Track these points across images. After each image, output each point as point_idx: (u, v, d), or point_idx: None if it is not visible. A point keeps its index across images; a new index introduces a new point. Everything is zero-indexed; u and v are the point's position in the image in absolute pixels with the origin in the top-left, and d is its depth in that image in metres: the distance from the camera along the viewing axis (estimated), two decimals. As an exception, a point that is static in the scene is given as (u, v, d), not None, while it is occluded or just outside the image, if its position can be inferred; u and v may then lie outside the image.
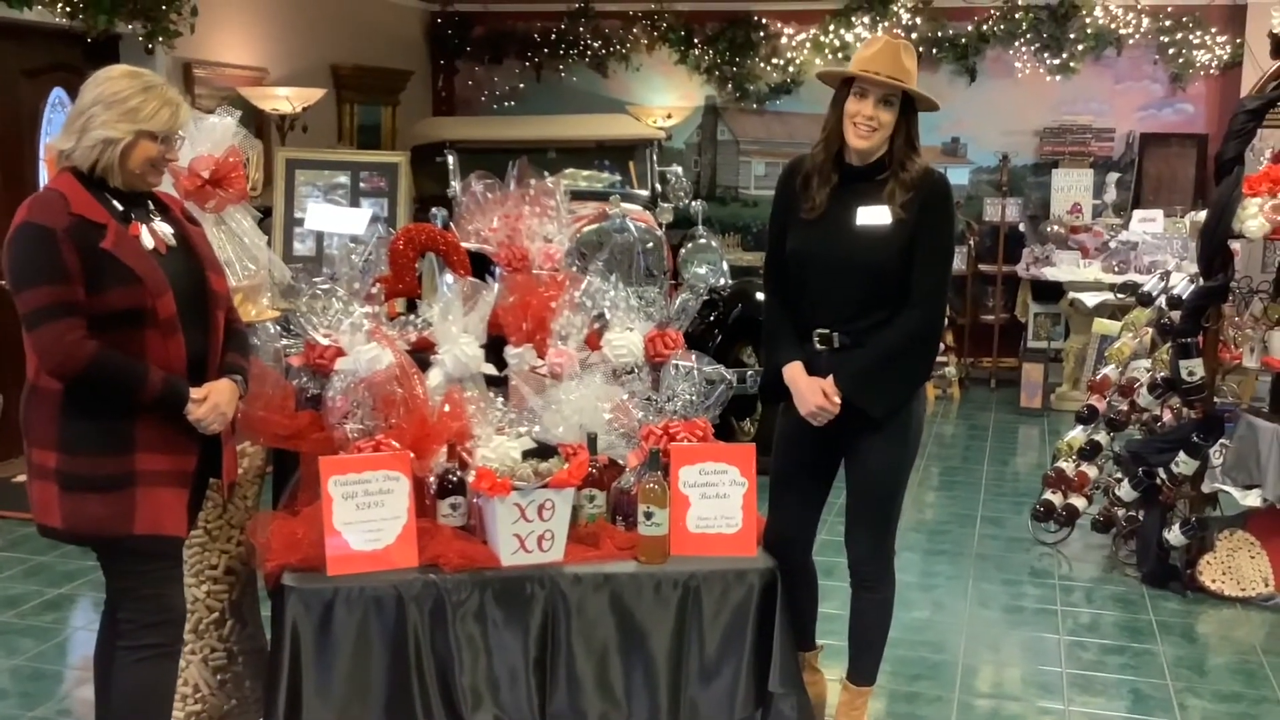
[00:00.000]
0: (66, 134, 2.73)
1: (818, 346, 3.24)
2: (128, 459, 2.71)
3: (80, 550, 4.91)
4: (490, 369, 3.54)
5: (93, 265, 2.64)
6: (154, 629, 2.80)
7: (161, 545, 2.78)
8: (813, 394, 3.18)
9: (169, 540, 2.80)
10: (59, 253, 2.61)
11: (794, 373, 3.25)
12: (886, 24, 9.15)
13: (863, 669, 3.46)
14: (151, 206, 2.84)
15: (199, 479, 2.90)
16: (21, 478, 6.11)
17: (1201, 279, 4.94)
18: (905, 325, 3.19)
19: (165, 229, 2.81)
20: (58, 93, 6.60)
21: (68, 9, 6.03)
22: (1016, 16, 9.08)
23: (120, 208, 2.74)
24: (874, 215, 3.16)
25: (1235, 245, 4.98)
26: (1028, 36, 9.08)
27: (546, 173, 4.24)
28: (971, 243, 9.14)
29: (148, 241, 2.75)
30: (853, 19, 9.16)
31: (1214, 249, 4.81)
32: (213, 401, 2.77)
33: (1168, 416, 5.35)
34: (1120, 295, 7.18)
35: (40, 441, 2.72)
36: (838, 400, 3.16)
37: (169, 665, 2.88)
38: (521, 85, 10.10)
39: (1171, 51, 8.97)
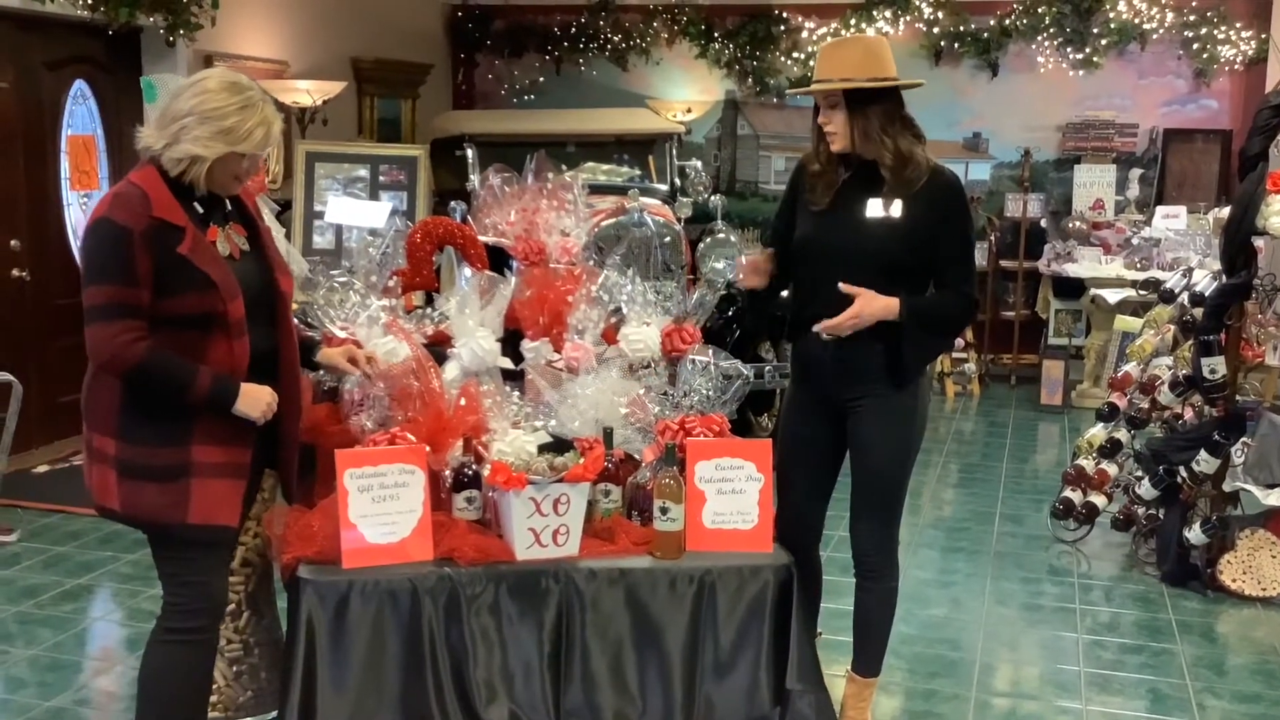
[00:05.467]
0: (158, 133, 2.71)
1: (824, 337, 3.17)
2: (184, 450, 2.73)
3: (99, 541, 4.99)
4: (507, 363, 3.54)
5: (167, 269, 2.65)
6: (193, 614, 2.83)
7: (214, 534, 2.80)
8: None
9: (222, 530, 2.82)
10: (132, 254, 2.62)
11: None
12: (908, 18, 9.12)
13: (868, 660, 3.45)
14: (229, 206, 2.86)
15: (255, 470, 2.92)
16: (41, 469, 6.17)
17: (1224, 276, 4.90)
18: (952, 298, 3.23)
19: (239, 238, 2.83)
20: (79, 85, 6.63)
21: (89, 1, 6.06)
22: (1039, 10, 9.03)
23: (200, 211, 2.76)
24: (884, 208, 3.15)
25: (1259, 242, 4.94)
26: (1050, 31, 9.02)
27: (565, 166, 4.25)
28: (992, 238, 9.09)
29: (223, 248, 2.77)
30: (874, 13, 9.12)
31: (1237, 246, 4.78)
32: (254, 395, 2.77)
33: (1189, 414, 5.32)
34: (1142, 292, 7.15)
35: (100, 428, 2.76)
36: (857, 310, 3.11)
37: (201, 653, 2.89)
38: (541, 79, 10.10)
39: (1195, 46, 8.90)
